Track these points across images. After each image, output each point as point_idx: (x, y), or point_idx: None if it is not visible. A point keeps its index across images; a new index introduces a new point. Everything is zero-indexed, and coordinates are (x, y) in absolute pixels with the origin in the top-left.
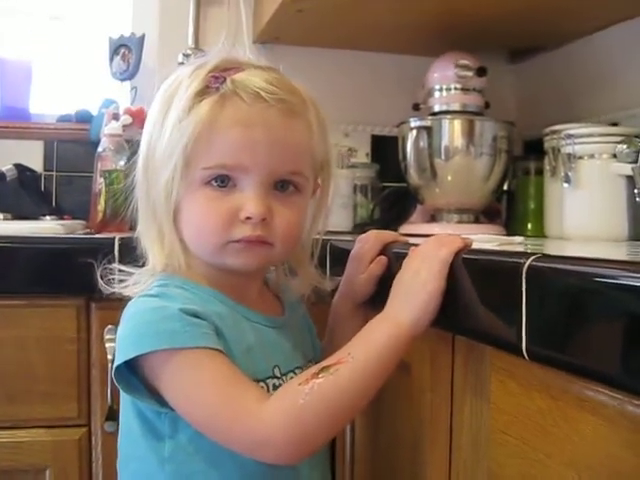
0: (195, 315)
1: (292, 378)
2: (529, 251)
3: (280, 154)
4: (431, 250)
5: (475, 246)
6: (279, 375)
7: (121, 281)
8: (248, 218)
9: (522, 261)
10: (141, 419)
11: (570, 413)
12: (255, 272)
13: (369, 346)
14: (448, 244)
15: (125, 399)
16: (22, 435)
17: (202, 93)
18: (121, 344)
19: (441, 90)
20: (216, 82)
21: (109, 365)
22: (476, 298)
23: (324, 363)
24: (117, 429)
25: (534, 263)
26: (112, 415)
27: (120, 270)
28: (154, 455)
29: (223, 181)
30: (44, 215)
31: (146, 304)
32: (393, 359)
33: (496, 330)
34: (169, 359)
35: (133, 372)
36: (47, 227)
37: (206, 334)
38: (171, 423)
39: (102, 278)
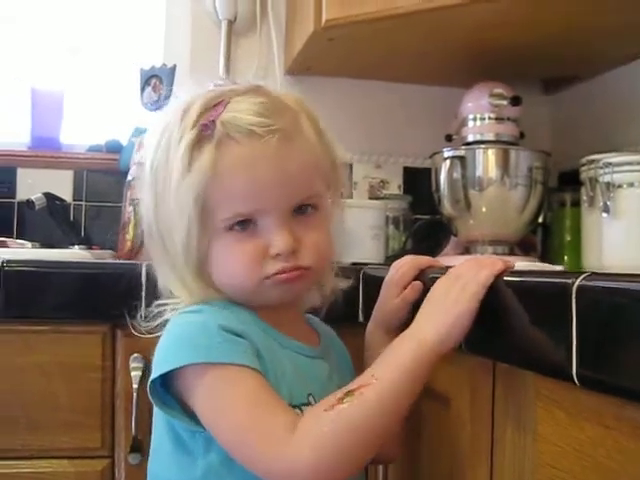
0: (235, 333)
1: None
2: None
3: (290, 185)
4: (469, 270)
5: (517, 268)
6: (314, 403)
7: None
8: (278, 254)
9: (571, 280)
10: (175, 438)
11: (625, 443)
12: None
13: (393, 367)
14: (489, 266)
15: (159, 418)
16: (43, 465)
17: (197, 143)
18: (158, 358)
19: (475, 120)
20: (207, 129)
21: (134, 394)
22: (520, 321)
23: (348, 387)
24: (141, 461)
25: (584, 282)
26: (137, 446)
27: (159, 304)
28: (186, 475)
29: (244, 223)
30: (72, 245)
31: (186, 319)
32: (418, 378)
33: (543, 355)
34: (203, 374)
35: (167, 388)
36: (74, 253)
37: (244, 352)
38: (204, 443)
39: (139, 316)
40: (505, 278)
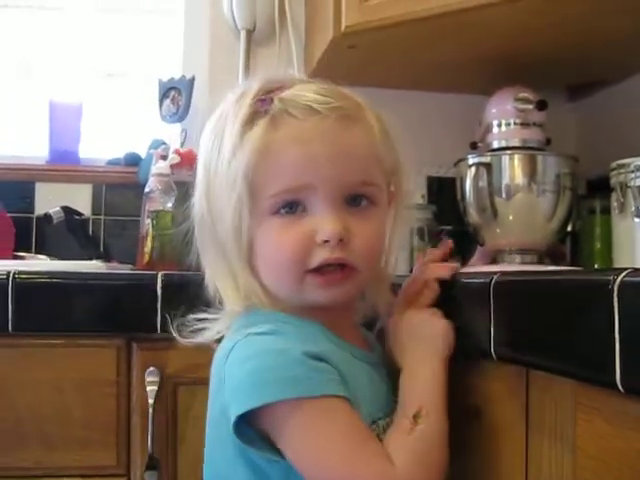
0: (318, 358)
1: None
2: None
3: (345, 165)
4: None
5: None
6: (384, 415)
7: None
8: (325, 241)
9: (612, 277)
10: (251, 467)
11: None
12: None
13: (426, 390)
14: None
15: (226, 447)
16: None
17: (251, 119)
18: (238, 390)
19: (500, 125)
20: (263, 105)
21: (150, 410)
22: (555, 325)
23: (412, 410)
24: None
25: (628, 279)
26: (153, 464)
27: (197, 319)
28: None
29: (292, 207)
30: (91, 259)
31: (263, 345)
32: (444, 380)
33: (582, 360)
34: (293, 410)
35: (245, 418)
36: (87, 265)
37: (332, 380)
38: (284, 472)
39: (176, 328)
40: (538, 277)
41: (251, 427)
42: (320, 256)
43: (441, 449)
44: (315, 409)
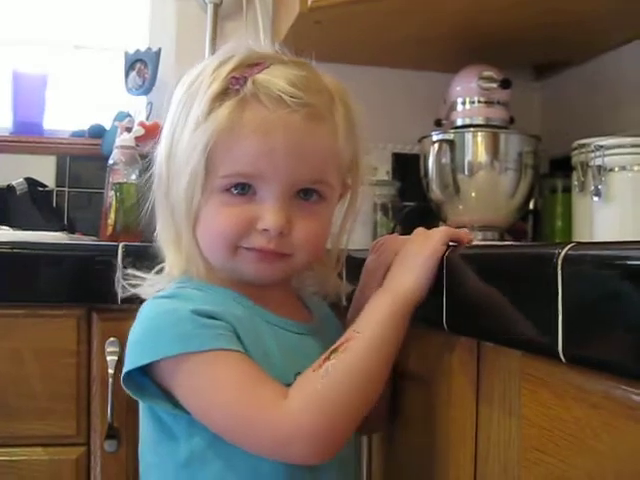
0: (210, 316)
1: None
2: None
3: (302, 163)
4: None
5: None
6: None
7: (133, 286)
8: (265, 230)
9: (557, 251)
10: (157, 423)
11: (614, 423)
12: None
13: (372, 319)
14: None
15: (142, 404)
16: (17, 453)
17: (222, 95)
18: (132, 349)
19: (464, 103)
20: (236, 83)
21: (110, 380)
22: (504, 298)
23: (334, 346)
24: (118, 448)
25: (571, 252)
26: (113, 433)
27: (135, 276)
28: (170, 461)
29: (243, 188)
30: (55, 231)
31: (158, 307)
32: (398, 328)
33: (528, 332)
34: (182, 364)
35: (144, 374)
36: (49, 235)
37: (221, 335)
38: (187, 426)
39: (116, 283)
40: (489, 251)
41: (150, 382)
42: (257, 241)
43: (346, 391)
44: (201, 361)
